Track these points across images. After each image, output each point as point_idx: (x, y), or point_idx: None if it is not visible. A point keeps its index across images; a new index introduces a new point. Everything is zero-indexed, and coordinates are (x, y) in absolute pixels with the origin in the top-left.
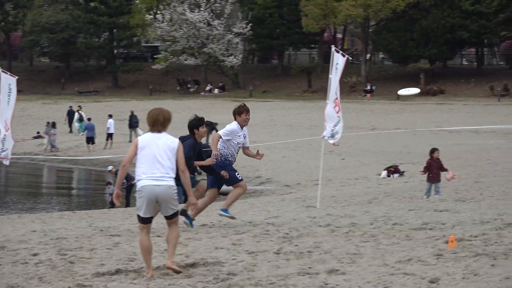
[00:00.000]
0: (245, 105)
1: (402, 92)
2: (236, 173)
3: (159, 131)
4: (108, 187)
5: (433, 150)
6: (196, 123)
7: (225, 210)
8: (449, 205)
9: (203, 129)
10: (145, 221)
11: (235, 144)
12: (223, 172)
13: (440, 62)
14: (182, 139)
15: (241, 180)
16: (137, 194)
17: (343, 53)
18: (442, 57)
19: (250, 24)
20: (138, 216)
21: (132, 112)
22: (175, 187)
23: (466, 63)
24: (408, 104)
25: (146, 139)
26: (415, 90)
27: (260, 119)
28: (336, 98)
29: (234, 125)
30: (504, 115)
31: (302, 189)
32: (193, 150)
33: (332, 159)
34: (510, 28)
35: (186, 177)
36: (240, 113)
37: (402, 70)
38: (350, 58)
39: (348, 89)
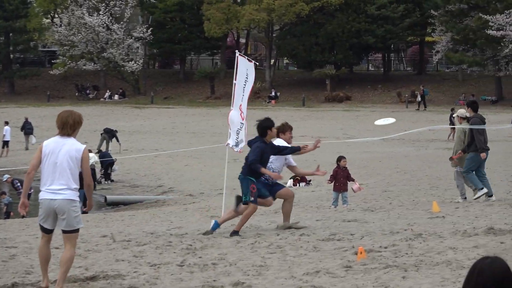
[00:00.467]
0: (287, 123)
1: (379, 122)
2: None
3: (68, 135)
4: (3, 197)
5: (340, 158)
6: (270, 123)
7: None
8: (358, 215)
9: (275, 130)
10: (45, 231)
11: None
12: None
13: (346, 67)
14: (250, 143)
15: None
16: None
17: (249, 58)
18: (348, 62)
19: (151, 29)
20: (39, 224)
21: (26, 119)
22: (76, 201)
23: (373, 69)
24: (314, 111)
25: (50, 144)
26: (391, 120)
27: (162, 126)
28: (241, 105)
29: (280, 142)
30: (412, 122)
31: (206, 199)
32: (262, 154)
33: (237, 168)
34: (416, 33)
35: (90, 190)
36: (285, 131)
37: (308, 75)
38: (257, 63)
39: (252, 95)
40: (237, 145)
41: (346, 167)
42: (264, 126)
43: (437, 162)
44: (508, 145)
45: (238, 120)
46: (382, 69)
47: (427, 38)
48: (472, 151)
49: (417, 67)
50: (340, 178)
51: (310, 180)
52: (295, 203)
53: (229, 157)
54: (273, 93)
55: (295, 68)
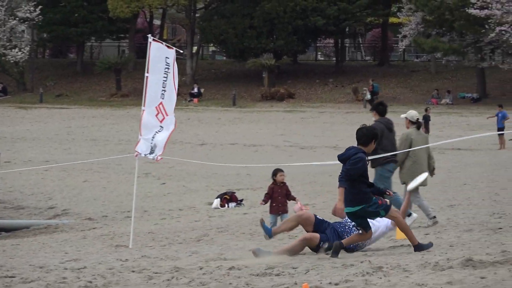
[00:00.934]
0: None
1: (412, 185)
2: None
3: None
4: None
5: (276, 172)
6: (377, 133)
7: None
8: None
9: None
10: None
11: None
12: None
13: (288, 57)
14: (345, 155)
15: None
16: None
17: (168, 44)
18: (291, 50)
19: (40, 7)
20: None
21: None
22: None
23: (323, 59)
24: (247, 111)
25: None
26: (423, 177)
27: (54, 131)
28: (161, 103)
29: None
30: (339, 123)
31: (109, 224)
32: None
33: (149, 184)
34: (378, 13)
35: None
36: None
37: (240, 67)
38: (180, 51)
39: None
40: (151, 152)
41: (285, 183)
42: (373, 133)
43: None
44: (493, 156)
45: (153, 124)
46: (334, 58)
47: (392, 20)
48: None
49: (378, 56)
50: (278, 197)
51: (242, 200)
52: (222, 229)
53: (140, 171)
54: (195, 90)
55: (224, 58)
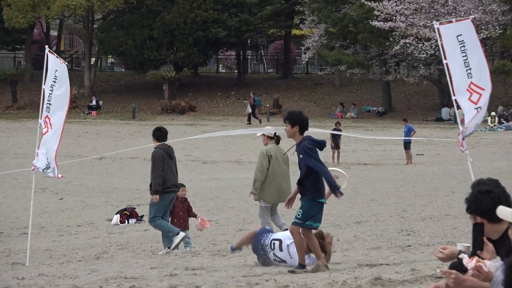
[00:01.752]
0: None
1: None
2: None
3: None
4: None
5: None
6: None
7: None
8: (205, 261)
9: None
10: None
11: None
12: None
13: (189, 69)
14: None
15: None
16: None
17: (59, 56)
18: (192, 62)
19: None
20: None
21: None
22: None
23: (224, 71)
24: (147, 125)
25: None
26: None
27: None
28: (47, 117)
29: None
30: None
31: (5, 240)
32: None
33: (46, 199)
34: (280, 25)
35: None
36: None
37: (139, 79)
38: (68, 64)
39: None
40: (47, 167)
41: (187, 199)
42: (304, 118)
43: None
44: (400, 171)
45: (50, 137)
46: (236, 71)
47: (294, 31)
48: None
49: (281, 69)
50: (179, 212)
51: (142, 216)
52: (122, 247)
53: (37, 186)
54: (93, 102)
55: (123, 70)
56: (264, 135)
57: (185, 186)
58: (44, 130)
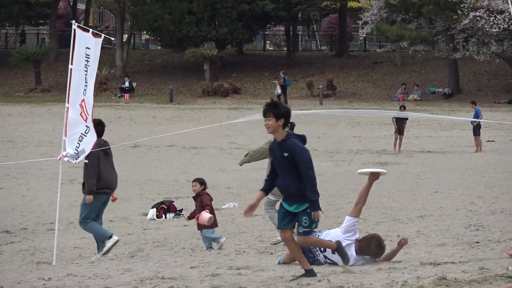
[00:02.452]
0: None
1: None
2: None
3: None
4: None
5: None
6: None
7: None
8: (251, 259)
9: None
10: None
11: None
12: None
13: (233, 46)
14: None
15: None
16: None
17: (95, 31)
18: (236, 39)
19: None
20: None
21: None
22: None
23: (272, 49)
24: (186, 109)
25: None
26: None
27: None
28: (83, 100)
29: None
30: (328, 126)
31: (29, 237)
32: None
33: (75, 192)
34: None
35: None
36: None
37: (178, 58)
38: (111, 39)
39: (96, 86)
40: (77, 157)
41: (201, 194)
42: (290, 110)
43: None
44: (468, 159)
45: (79, 122)
46: (285, 48)
47: (351, 4)
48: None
49: (335, 46)
50: (195, 210)
51: (181, 210)
52: (159, 244)
53: (64, 177)
54: (126, 84)
55: (159, 48)
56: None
57: (197, 181)
58: (84, 116)
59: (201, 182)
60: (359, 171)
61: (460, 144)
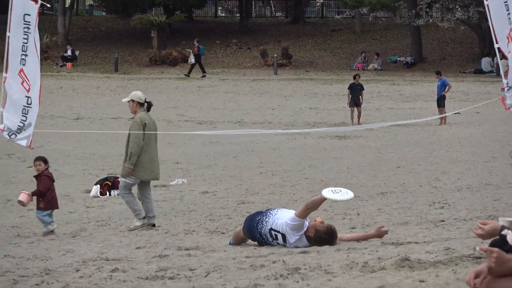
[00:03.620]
0: None
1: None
2: None
3: None
4: None
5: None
6: None
7: None
8: (201, 239)
9: None
10: None
11: None
12: None
13: (182, 12)
14: None
15: None
16: None
17: None
18: (185, 5)
19: None
20: None
21: None
22: None
23: (224, 15)
24: (132, 79)
25: None
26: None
27: None
28: (22, 70)
29: None
30: (283, 97)
31: None
32: None
33: (13, 168)
34: None
35: None
36: None
37: (123, 25)
38: (47, 4)
39: None
40: (19, 131)
41: (42, 173)
42: None
43: (324, 157)
44: (432, 133)
45: (20, 93)
46: (237, 15)
47: None
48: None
49: (291, 13)
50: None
51: None
52: (103, 223)
53: (1, 152)
54: (69, 52)
55: (104, 14)
56: (133, 101)
57: (40, 160)
58: (27, 86)
59: (45, 160)
60: (324, 195)
61: (424, 116)
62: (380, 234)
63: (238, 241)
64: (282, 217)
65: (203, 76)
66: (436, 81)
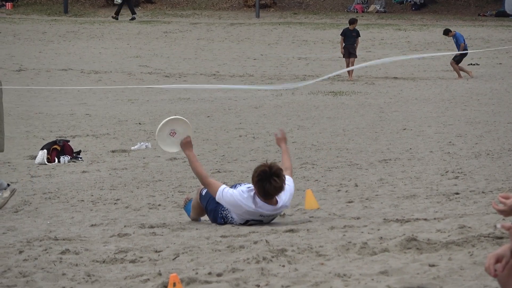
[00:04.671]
0: None
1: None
2: None
3: None
4: None
5: None
6: None
7: None
8: (169, 215)
9: None
10: None
11: None
12: None
13: None
14: None
15: None
16: None
17: None
18: None
19: None
20: None
21: None
22: None
23: None
24: (85, 22)
25: None
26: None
27: None
28: None
29: None
30: (267, 45)
31: None
32: None
33: None
34: None
35: None
36: None
37: None
38: None
39: None
40: None
41: None
42: None
43: (316, 117)
44: (445, 88)
45: None
46: None
47: None
48: None
49: None
50: None
51: (79, 152)
52: (51, 195)
53: None
54: None
55: None
56: None
57: None
58: None
59: None
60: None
61: (435, 68)
62: (280, 140)
63: (196, 216)
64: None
65: (132, 19)
66: (448, 40)
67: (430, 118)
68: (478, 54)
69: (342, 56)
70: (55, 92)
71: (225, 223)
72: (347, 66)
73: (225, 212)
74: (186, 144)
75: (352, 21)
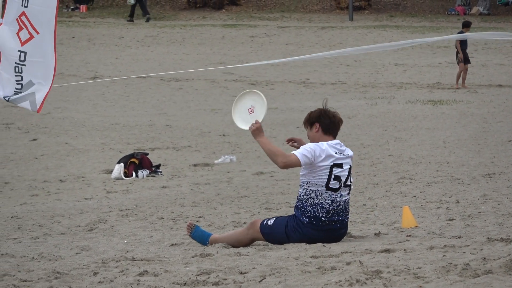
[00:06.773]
0: None
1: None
2: None
3: None
4: None
5: None
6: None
7: None
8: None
9: None
10: None
11: None
12: None
13: None
14: None
15: None
16: None
17: None
18: None
19: None
20: None
21: None
22: None
23: None
24: (165, 26)
25: None
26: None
27: None
28: (23, 13)
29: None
30: (311, 45)
31: None
32: None
33: (13, 141)
34: None
35: None
36: None
37: None
38: None
39: None
40: (18, 92)
41: None
42: None
43: (414, 128)
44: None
45: (12, 44)
46: None
47: None
48: None
49: None
50: None
51: (158, 166)
52: (128, 212)
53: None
54: None
55: None
56: None
57: None
58: (24, 36)
59: None
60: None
61: None
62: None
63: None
64: None
65: (147, 21)
66: None
67: None
68: None
69: (460, 61)
70: (133, 101)
71: (313, 216)
72: (460, 72)
73: (303, 200)
74: (256, 131)
75: (467, 24)
